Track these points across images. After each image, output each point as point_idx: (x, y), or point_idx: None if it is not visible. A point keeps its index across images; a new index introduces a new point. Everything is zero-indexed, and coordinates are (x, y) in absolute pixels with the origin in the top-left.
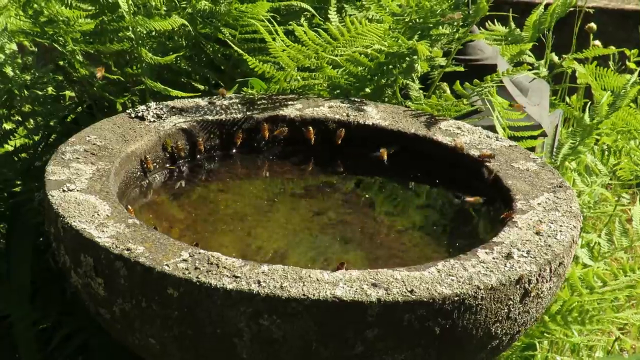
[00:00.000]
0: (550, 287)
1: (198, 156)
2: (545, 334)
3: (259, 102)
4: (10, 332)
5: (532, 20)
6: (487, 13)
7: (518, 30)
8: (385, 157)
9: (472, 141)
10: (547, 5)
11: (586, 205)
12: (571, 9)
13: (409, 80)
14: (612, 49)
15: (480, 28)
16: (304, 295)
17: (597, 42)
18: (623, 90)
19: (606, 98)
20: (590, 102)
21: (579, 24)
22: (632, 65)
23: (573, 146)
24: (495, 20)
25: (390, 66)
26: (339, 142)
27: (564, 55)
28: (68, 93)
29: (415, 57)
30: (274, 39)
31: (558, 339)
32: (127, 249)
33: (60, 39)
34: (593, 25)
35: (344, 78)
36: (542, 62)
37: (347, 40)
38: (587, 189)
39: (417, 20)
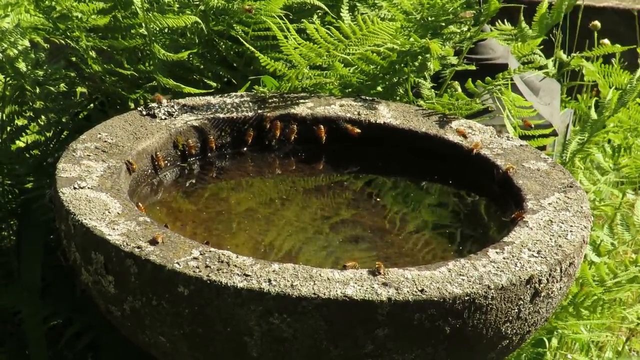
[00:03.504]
0: (560, 287)
1: (209, 154)
2: (555, 331)
3: (270, 100)
4: (20, 329)
5: (538, 15)
6: (499, 10)
7: (528, 28)
8: None
9: (483, 140)
10: (552, 5)
11: (591, 202)
12: (579, 5)
13: (421, 79)
14: (621, 47)
15: (492, 28)
16: (314, 294)
17: (607, 41)
18: (629, 86)
19: (612, 93)
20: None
21: (582, 23)
22: None
23: (581, 142)
24: (505, 20)
25: (402, 64)
26: (356, 131)
27: (572, 54)
28: (79, 89)
29: (427, 55)
30: (286, 37)
31: (568, 337)
32: (138, 247)
33: (74, 34)
34: (597, 23)
35: (355, 76)
36: (551, 60)
37: (359, 38)
38: (593, 187)
39: (429, 18)
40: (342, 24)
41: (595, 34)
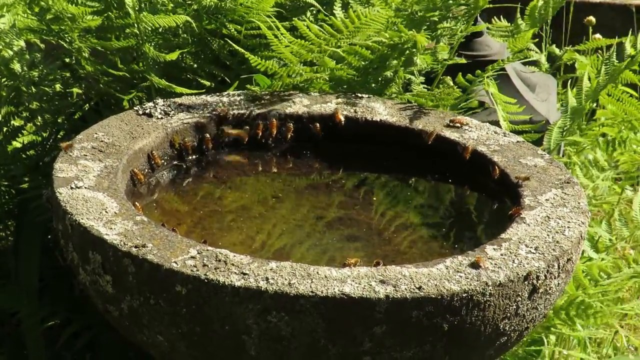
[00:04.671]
0: (558, 284)
1: (206, 152)
2: (550, 329)
3: (265, 99)
4: (18, 330)
5: (531, 7)
6: (496, 8)
7: (523, 22)
8: None
9: (479, 137)
10: None
11: (588, 199)
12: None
13: (411, 74)
14: (610, 40)
15: (488, 25)
16: (312, 292)
17: (599, 35)
18: (605, 66)
19: (586, 75)
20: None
21: (578, 19)
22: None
23: (564, 128)
24: (501, 17)
25: (393, 59)
26: (339, 117)
27: (564, 47)
28: (75, 90)
29: (414, 49)
30: (276, 36)
31: (564, 334)
32: (135, 246)
33: (67, 36)
34: (592, 18)
35: (345, 71)
36: (544, 53)
37: (350, 31)
38: (591, 183)
39: (418, 13)
40: (334, 19)
41: (590, 30)
